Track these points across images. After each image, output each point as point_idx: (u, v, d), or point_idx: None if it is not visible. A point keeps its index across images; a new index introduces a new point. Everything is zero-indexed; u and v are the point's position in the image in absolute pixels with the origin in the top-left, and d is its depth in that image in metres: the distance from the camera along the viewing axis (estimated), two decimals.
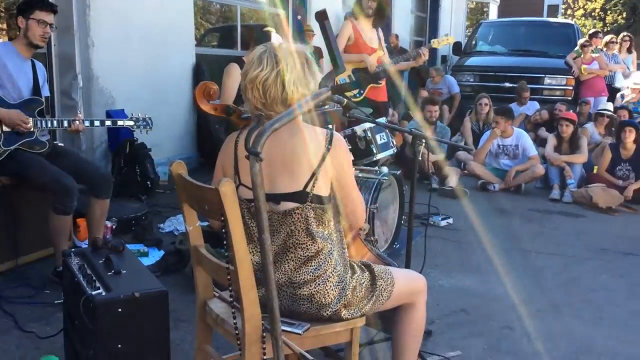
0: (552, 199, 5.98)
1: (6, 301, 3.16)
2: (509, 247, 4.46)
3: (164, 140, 5.98)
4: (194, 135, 6.78)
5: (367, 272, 2.10)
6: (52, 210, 3.37)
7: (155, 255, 3.98)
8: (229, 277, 1.83)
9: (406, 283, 2.17)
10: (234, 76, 4.46)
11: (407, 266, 2.86)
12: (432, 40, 5.77)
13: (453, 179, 6.18)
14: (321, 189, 1.94)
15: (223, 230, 1.78)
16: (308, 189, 1.92)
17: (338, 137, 1.99)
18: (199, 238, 2.08)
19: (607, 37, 10.18)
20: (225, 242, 1.79)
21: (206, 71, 6.73)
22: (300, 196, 1.92)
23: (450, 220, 5.00)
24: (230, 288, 1.87)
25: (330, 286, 1.95)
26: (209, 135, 6.65)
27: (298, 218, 1.93)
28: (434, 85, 10.00)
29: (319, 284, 1.94)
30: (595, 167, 6.48)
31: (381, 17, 5.41)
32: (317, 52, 8.90)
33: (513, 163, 6.37)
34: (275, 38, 4.42)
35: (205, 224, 3.61)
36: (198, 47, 6.84)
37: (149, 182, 5.24)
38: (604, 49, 9.93)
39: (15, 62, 3.39)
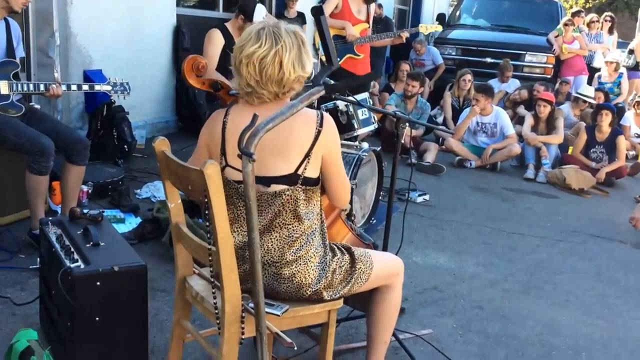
0: (527, 179, 6.07)
1: None
2: (482, 226, 4.54)
3: (141, 103, 5.89)
4: (172, 98, 6.68)
5: (347, 255, 2.13)
6: (28, 171, 3.31)
7: (131, 222, 3.96)
8: (210, 258, 1.84)
9: (384, 266, 2.21)
10: (215, 42, 4.40)
11: (385, 243, 2.89)
12: (420, 25, 5.82)
13: (431, 155, 6.22)
14: (312, 170, 1.96)
15: (206, 213, 1.78)
16: (300, 171, 1.93)
17: (328, 117, 1.99)
18: (180, 215, 2.08)
19: (589, 17, 10.22)
20: (208, 224, 1.80)
21: (186, 33, 6.60)
22: (291, 178, 1.93)
23: (427, 197, 5.06)
24: (211, 268, 1.88)
25: (312, 266, 1.98)
26: (188, 99, 6.56)
27: (287, 199, 1.94)
28: (418, 57, 9.96)
29: (300, 264, 1.96)
30: (570, 148, 6.58)
31: None
32: (301, 18, 8.80)
33: (490, 141, 6.43)
34: (260, 9, 4.36)
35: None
36: (179, 7, 6.68)
37: (125, 146, 5.16)
38: (586, 29, 9.98)
39: None
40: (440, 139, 7.02)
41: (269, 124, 1.27)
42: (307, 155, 1.93)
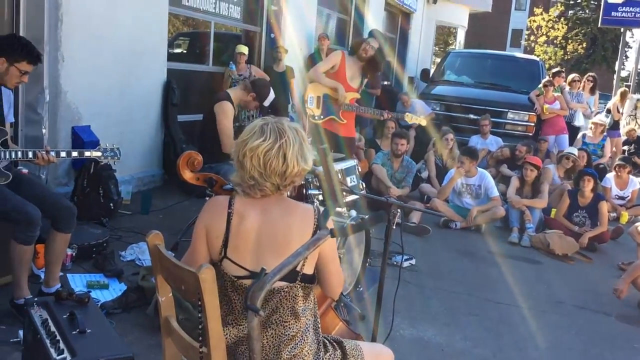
0: (511, 242, 6.10)
1: None
2: (469, 294, 4.53)
3: (128, 157, 5.86)
4: (159, 152, 6.68)
5: (339, 350, 2.11)
6: (13, 239, 3.27)
7: (115, 288, 3.90)
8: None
9: (375, 359, 2.20)
10: (229, 114, 4.53)
11: (377, 316, 2.87)
12: (406, 114, 6.02)
13: (417, 215, 6.25)
14: (309, 267, 1.97)
15: (199, 316, 1.76)
16: (298, 268, 1.93)
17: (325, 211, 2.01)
18: (170, 308, 2.05)
19: (571, 76, 10.49)
20: (200, 327, 1.78)
21: (176, 88, 6.64)
22: (290, 275, 1.91)
23: (413, 261, 5.05)
24: None
25: None
26: (175, 153, 6.56)
27: (285, 296, 1.94)
28: (404, 109, 10.06)
29: None
30: (553, 210, 6.65)
31: (373, 69, 5.51)
32: (290, 72, 8.92)
33: (475, 202, 6.48)
34: (271, 96, 4.51)
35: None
36: (169, 62, 6.74)
37: (111, 204, 5.12)
38: (568, 87, 10.22)
39: None
40: (426, 197, 7.07)
41: (276, 276, 1.27)
42: None
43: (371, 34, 5.73)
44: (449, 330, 3.86)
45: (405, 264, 5.00)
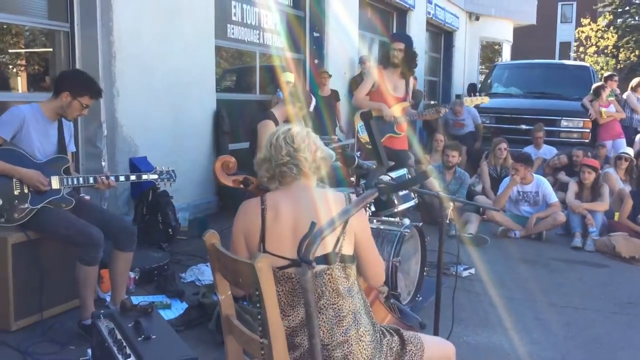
0: (575, 247, 5.90)
1: (32, 358, 3.16)
2: (533, 300, 4.40)
3: (184, 186, 6.03)
4: (213, 179, 6.82)
5: (397, 337, 2.12)
6: (78, 262, 3.40)
7: (177, 307, 3.98)
8: (262, 351, 1.83)
9: (435, 349, 2.19)
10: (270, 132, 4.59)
11: (436, 322, 2.83)
12: (465, 98, 5.87)
13: (473, 226, 6.14)
14: (347, 247, 2.03)
15: (257, 306, 1.79)
16: (337, 249, 2.00)
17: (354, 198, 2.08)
18: (230, 307, 2.09)
19: (636, 80, 10.12)
20: (259, 317, 1.80)
21: (226, 117, 6.82)
22: (329, 258, 1.98)
23: (472, 271, 4.96)
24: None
25: (363, 346, 1.99)
26: None
27: (328, 279, 1.99)
28: (456, 118, 9.95)
29: (351, 345, 1.97)
30: (616, 214, 6.41)
31: (409, 68, 5.50)
32: (335, 95, 9.04)
33: (533, 210, 6.33)
34: (313, 102, 4.68)
35: None
36: (219, 92, 6.94)
37: (170, 230, 5.26)
38: (633, 92, 9.92)
39: (41, 125, 3.44)
40: (481, 209, 6.93)
41: (326, 231, 1.29)
42: (341, 236, 2.01)
43: (394, 37, 5.73)
44: (514, 336, 3.75)
45: (465, 273, 4.91)
